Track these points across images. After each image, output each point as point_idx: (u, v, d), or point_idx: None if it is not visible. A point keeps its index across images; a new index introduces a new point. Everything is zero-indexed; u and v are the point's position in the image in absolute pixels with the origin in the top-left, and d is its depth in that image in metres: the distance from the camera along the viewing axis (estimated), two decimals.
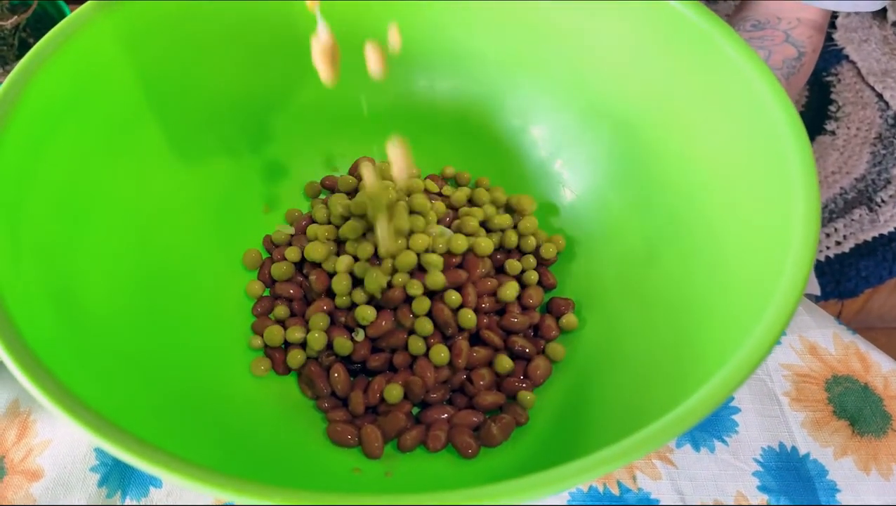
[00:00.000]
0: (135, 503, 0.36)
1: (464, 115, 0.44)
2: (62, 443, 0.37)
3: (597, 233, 0.41)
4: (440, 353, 0.36)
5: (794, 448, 0.37)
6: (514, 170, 0.44)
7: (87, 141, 0.34)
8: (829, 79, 1.07)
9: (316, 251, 0.39)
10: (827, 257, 0.94)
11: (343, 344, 0.36)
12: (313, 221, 0.42)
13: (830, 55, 1.09)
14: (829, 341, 0.41)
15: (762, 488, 0.36)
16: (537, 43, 0.40)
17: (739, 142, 0.32)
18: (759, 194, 0.30)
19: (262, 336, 0.38)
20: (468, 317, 0.37)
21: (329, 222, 0.41)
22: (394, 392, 0.35)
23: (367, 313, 0.37)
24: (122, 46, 0.35)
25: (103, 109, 0.35)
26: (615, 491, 0.36)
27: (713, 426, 0.38)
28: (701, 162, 0.34)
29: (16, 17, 0.59)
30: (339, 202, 0.40)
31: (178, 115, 0.38)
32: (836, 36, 1.10)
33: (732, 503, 0.35)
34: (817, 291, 0.69)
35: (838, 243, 0.96)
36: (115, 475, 0.36)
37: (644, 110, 0.38)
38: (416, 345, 0.36)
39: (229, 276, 0.40)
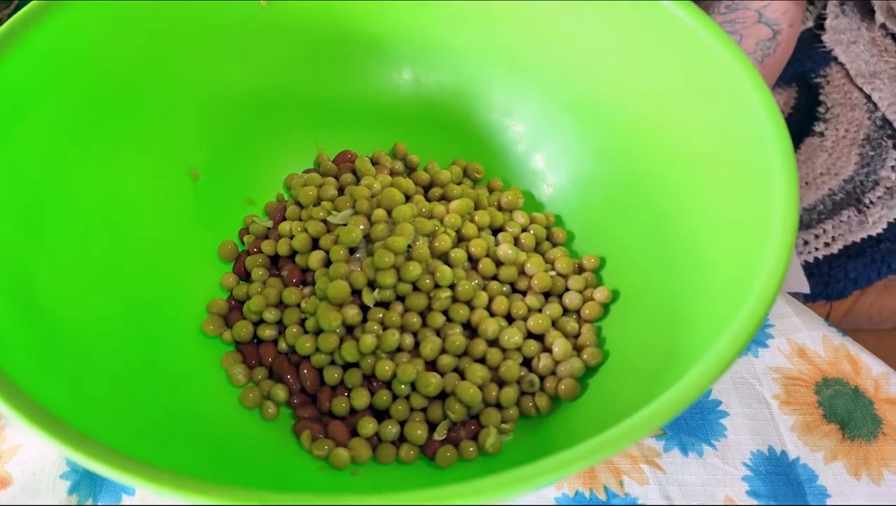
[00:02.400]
0: None
1: (447, 109, 0.43)
2: (31, 449, 0.36)
3: (576, 229, 0.41)
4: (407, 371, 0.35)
5: (783, 452, 0.37)
6: (495, 163, 0.44)
7: (53, 134, 0.33)
8: (817, 80, 1.07)
9: (285, 247, 0.38)
10: (815, 259, 0.94)
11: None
12: (293, 208, 0.41)
13: (819, 56, 1.09)
14: (818, 344, 0.40)
15: (751, 493, 0.35)
16: (519, 38, 0.40)
17: (720, 137, 0.31)
18: (739, 191, 0.29)
19: (231, 330, 0.37)
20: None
21: (318, 203, 0.40)
22: (361, 398, 0.34)
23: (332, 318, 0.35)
24: (94, 35, 0.34)
25: (72, 101, 0.33)
26: (602, 496, 0.35)
27: (701, 430, 0.37)
28: (682, 158, 0.34)
29: (2, 9, 0.58)
30: (331, 186, 0.40)
31: (153, 106, 0.37)
32: (824, 38, 1.11)
33: None
34: (806, 288, 0.69)
35: (826, 245, 0.96)
36: (86, 482, 0.35)
37: (626, 106, 0.37)
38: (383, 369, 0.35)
39: (205, 269, 0.39)
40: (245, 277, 0.39)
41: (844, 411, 0.38)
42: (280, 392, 0.35)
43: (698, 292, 0.30)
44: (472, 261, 0.39)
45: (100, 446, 0.22)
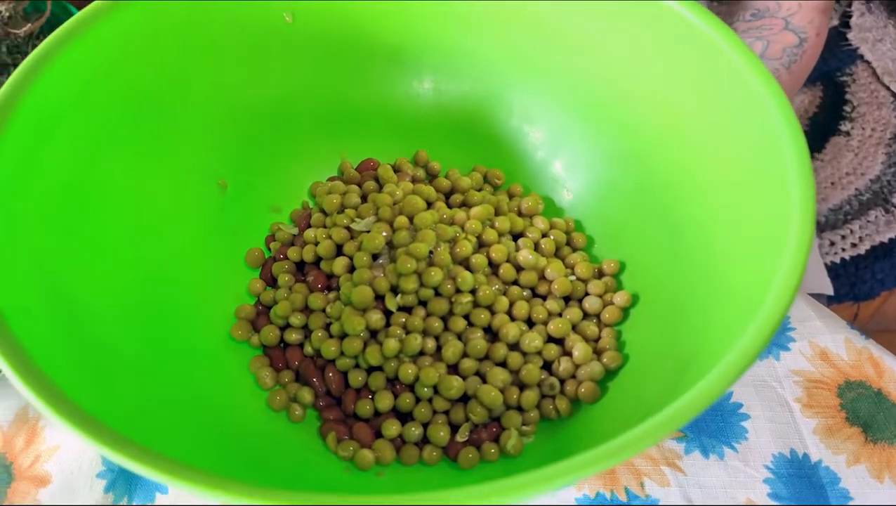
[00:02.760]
0: None
1: (467, 117, 0.44)
2: (69, 449, 0.37)
3: (595, 234, 0.41)
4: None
5: (805, 455, 0.37)
6: (514, 169, 0.44)
7: (86, 143, 0.34)
8: (843, 79, 1.06)
9: (310, 253, 0.39)
10: (842, 259, 0.93)
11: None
12: (318, 215, 0.42)
13: (845, 55, 1.08)
14: (840, 347, 0.40)
15: (773, 496, 0.35)
16: (537, 45, 0.40)
17: (736, 144, 0.32)
18: (755, 196, 0.30)
19: (259, 334, 0.38)
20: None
21: (342, 211, 0.41)
22: (385, 401, 0.35)
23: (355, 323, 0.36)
24: (126, 48, 0.35)
25: (105, 112, 0.35)
26: (623, 497, 0.36)
27: (722, 433, 0.37)
28: (698, 164, 0.34)
29: (29, 24, 0.59)
30: (355, 193, 0.41)
31: (182, 119, 0.39)
32: (850, 36, 1.09)
33: None
34: (830, 290, 0.68)
35: (853, 245, 0.95)
36: (122, 481, 0.36)
37: (643, 113, 0.37)
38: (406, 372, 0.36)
39: (233, 275, 0.40)
40: (272, 282, 0.40)
41: (867, 413, 0.38)
42: (306, 395, 0.36)
43: (716, 296, 0.30)
44: (493, 266, 0.39)
45: (135, 445, 0.23)
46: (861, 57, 1.11)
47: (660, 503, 0.35)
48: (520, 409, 0.35)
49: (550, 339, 0.37)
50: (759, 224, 0.29)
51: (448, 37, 0.42)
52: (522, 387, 0.35)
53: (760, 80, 0.30)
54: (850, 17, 1.05)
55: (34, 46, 0.58)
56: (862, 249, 0.93)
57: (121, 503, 0.36)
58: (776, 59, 0.52)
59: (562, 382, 0.36)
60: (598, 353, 0.36)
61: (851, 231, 0.94)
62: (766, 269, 0.26)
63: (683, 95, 0.35)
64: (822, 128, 1.02)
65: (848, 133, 1.01)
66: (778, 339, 0.40)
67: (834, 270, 0.91)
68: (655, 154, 0.37)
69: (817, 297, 0.63)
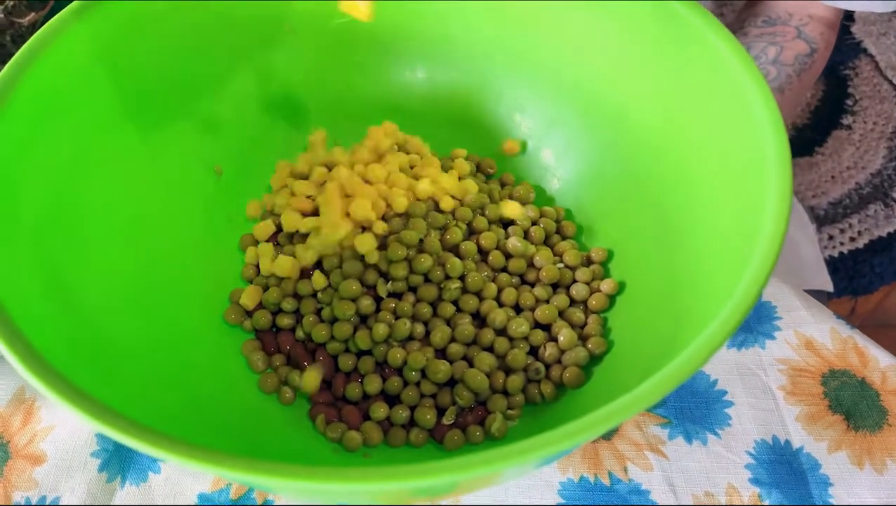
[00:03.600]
0: (134, 488, 0.36)
1: (460, 106, 0.45)
2: (64, 429, 0.38)
3: (583, 222, 0.42)
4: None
5: (787, 442, 0.37)
6: (505, 158, 0.45)
7: (83, 129, 0.34)
8: (846, 72, 1.05)
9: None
10: (840, 253, 0.93)
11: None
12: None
13: (848, 48, 1.08)
14: (826, 336, 0.40)
15: (754, 481, 0.36)
16: (528, 36, 0.41)
17: (721, 137, 0.32)
18: (735, 189, 0.30)
19: (251, 319, 0.39)
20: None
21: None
22: (374, 384, 0.36)
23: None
24: (124, 35, 0.36)
25: (102, 100, 0.35)
26: (606, 481, 0.36)
27: (706, 419, 0.38)
28: (683, 156, 0.35)
29: (33, 13, 0.60)
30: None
31: (178, 107, 0.39)
32: (853, 29, 1.09)
33: (723, 496, 0.35)
34: (829, 287, 0.68)
35: (852, 239, 0.95)
36: (116, 461, 0.37)
37: (630, 103, 0.38)
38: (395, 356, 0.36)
39: (227, 260, 0.41)
40: None
41: (850, 402, 0.38)
42: (296, 378, 0.37)
43: (695, 283, 0.31)
44: (483, 253, 0.40)
45: (127, 419, 0.23)
46: (864, 51, 1.10)
47: (642, 488, 0.36)
48: (505, 393, 0.36)
49: (537, 325, 0.38)
50: (738, 215, 0.29)
51: (441, 27, 0.42)
52: (508, 371, 0.36)
53: (747, 75, 0.31)
54: (852, 12, 1.05)
55: None
56: (860, 243, 0.93)
57: (114, 482, 0.37)
58: (789, 64, 0.53)
59: (547, 367, 0.36)
60: (583, 339, 0.37)
61: (850, 225, 0.94)
62: (741, 258, 0.26)
63: (671, 88, 0.35)
64: (823, 121, 1.02)
65: (850, 127, 1.01)
66: (764, 328, 0.41)
67: (832, 265, 0.91)
68: (644, 143, 0.38)
69: (816, 294, 0.64)
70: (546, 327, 0.37)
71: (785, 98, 0.54)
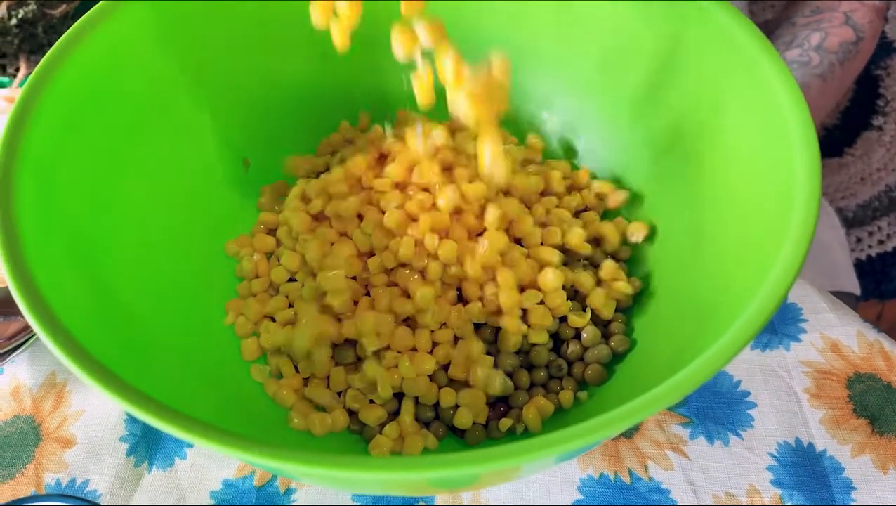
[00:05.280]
0: (160, 473, 0.37)
1: None
2: (94, 413, 0.39)
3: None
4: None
5: (810, 445, 0.37)
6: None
7: (119, 120, 0.35)
8: (877, 73, 1.03)
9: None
10: (868, 256, 0.91)
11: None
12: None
13: (880, 48, 1.06)
14: (852, 339, 0.40)
15: (775, 483, 0.36)
16: (553, 29, 0.41)
17: (751, 136, 0.32)
18: (763, 188, 0.30)
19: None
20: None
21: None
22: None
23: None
24: (161, 31, 0.36)
25: (136, 91, 0.36)
26: (626, 479, 0.36)
27: (728, 420, 0.38)
28: (713, 154, 0.34)
29: (64, 5, 0.61)
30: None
31: (208, 102, 0.40)
32: (886, 28, 1.07)
33: (744, 497, 0.35)
34: (857, 290, 0.67)
35: (881, 242, 0.93)
36: (143, 446, 0.38)
37: (658, 99, 0.37)
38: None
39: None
40: None
41: (875, 406, 0.38)
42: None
43: (721, 283, 0.31)
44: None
45: (158, 403, 0.24)
46: None
47: (662, 487, 0.36)
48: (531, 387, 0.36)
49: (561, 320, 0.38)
50: (766, 215, 0.29)
51: (466, 21, 0.42)
52: (531, 368, 0.36)
53: (776, 74, 0.30)
54: (888, 9, 1.03)
55: (69, 27, 0.60)
56: (889, 247, 0.91)
57: (141, 467, 0.37)
58: (832, 52, 0.52)
59: (570, 364, 0.36)
60: (606, 337, 0.37)
61: (879, 228, 0.93)
62: (768, 258, 0.26)
63: (702, 86, 0.35)
64: (853, 122, 1.00)
65: (880, 128, 0.99)
66: (789, 330, 0.41)
67: (860, 268, 0.90)
68: (672, 144, 0.37)
69: (844, 296, 0.63)
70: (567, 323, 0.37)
71: (827, 87, 0.53)
